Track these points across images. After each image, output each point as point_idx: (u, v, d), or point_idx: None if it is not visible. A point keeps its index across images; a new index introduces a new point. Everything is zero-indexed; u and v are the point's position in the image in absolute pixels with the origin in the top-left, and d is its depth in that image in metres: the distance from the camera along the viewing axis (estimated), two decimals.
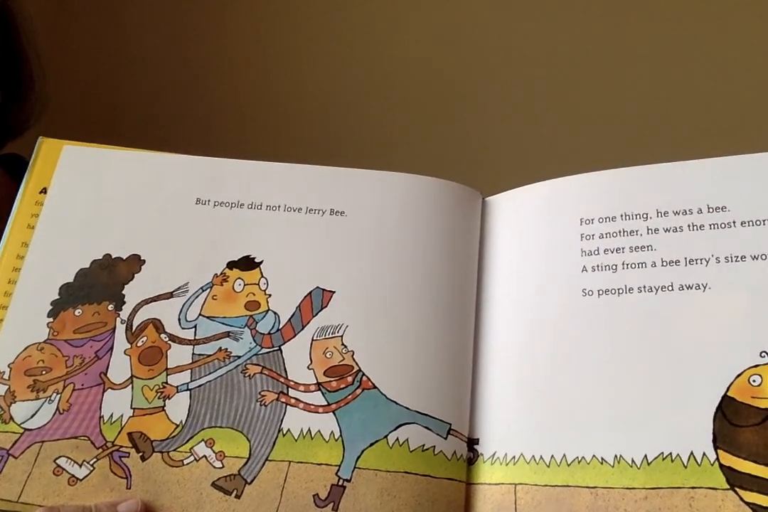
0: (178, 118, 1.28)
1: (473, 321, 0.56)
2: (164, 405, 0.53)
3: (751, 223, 0.51)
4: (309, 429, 0.52)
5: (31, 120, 0.76)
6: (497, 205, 0.59)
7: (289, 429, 0.52)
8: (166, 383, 0.54)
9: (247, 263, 0.56)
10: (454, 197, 0.59)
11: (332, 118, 1.30)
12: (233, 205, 0.58)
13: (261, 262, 0.56)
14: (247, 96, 1.31)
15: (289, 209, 0.58)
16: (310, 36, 1.31)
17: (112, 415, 0.53)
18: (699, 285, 0.50)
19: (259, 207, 0.58)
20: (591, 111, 1.25)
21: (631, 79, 1.24)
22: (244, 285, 0.56)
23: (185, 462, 0.52)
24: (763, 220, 0.50)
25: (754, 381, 0.47)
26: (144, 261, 0.57)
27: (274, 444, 0.52)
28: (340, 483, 0.51)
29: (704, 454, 0.47)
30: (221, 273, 0.56)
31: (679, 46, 1.22)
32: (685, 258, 0.51)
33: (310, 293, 0.55)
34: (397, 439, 0.52)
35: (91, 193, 0.59)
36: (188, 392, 0.54)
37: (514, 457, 0.51)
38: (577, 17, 1.25)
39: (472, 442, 0.53)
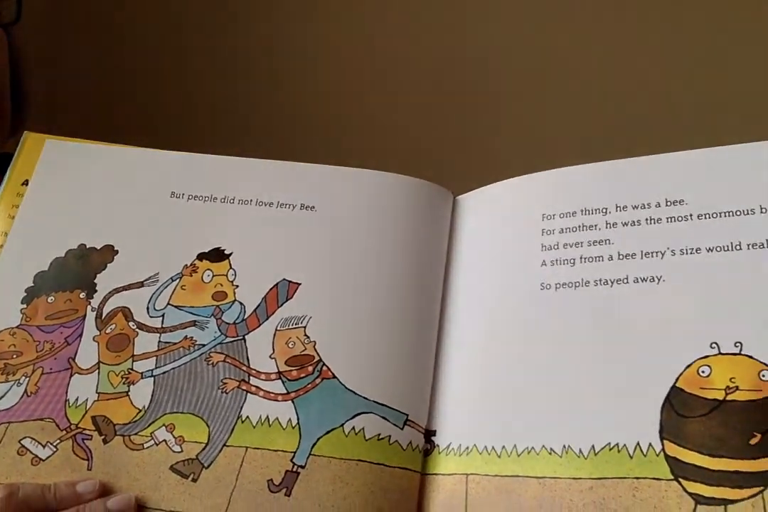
0: (174, 117, 1.30)
1: (438, 316, 0.57)
2: (128, 390, 0.54)
3: (707, 215, 0.51)
4: (267, 417, 0.53)
5: (25, 121, 0.79)
6: (467, 203, 0.60)
7: (248, 416, 0.53)
8: (132, 369, 0.55)
9: (217, 255, 0.58)
10: (424, 195, 0.59)
11: (309, 115, 1.30)
12: (207, 198, 0.60)
13: (230, 254, 0.58)
14: (227, 89, 1.31)
15: (260, 203, 0.59)
16: (282, 39, 1.31)
17: (77, 399, 0.54)
18: (653, 278, 0.50)
19: (232, 201, 0.59)
20: (565, 108, 1.25)
21: (600, 81, 1.24)
22: (213, 276, 0.57)
23: (146, 445, 0.53)
24: (719, 212, 0.51)
25: (703, 371, 0.47)
26: (117, 251, 0.58)
27: (232, 430, 0.53)
28: (294, 470, 0.51)
29: (650, 445, 0.46)
30: (191, 264, 0.57)
31: (652, 47, 1.22)
32: (641, 252, 0.51)
33: (276, 285, 0.56)
34: (353, 428, 0.52)
35: (70, 184, 0.61)
36: (152, 378, 0.55)
37: (467, 448, 0.51)
38: (553, 20, 1.25)
39: (429, 433, 0.53)
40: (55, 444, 0.53)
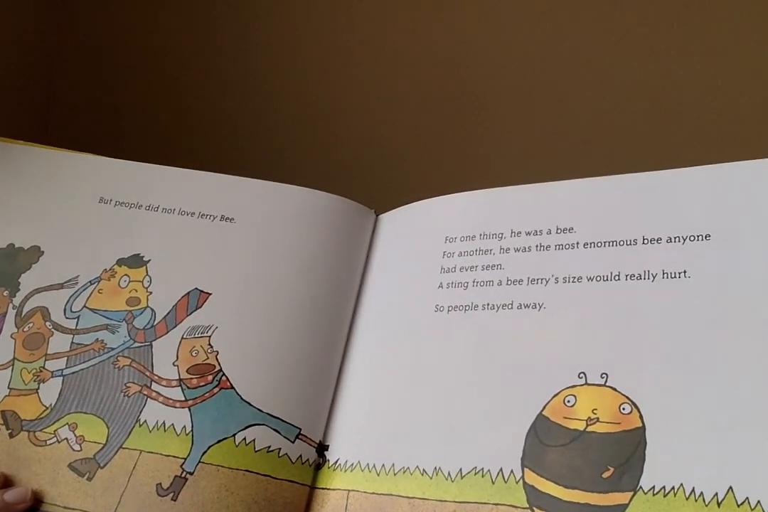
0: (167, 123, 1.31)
1: (346, 332, 0.58)
2: (38, 387, 0.56)
3: (592, 244, 0.51)
4: (164, 422, 0.54)
5: None
6: (387, 222, 0.60)
7: (145, 420, 0.54)
8: (44, 367, 0.57)
9: (135, 261, 0.59)
10: (343, 212, 0.60)
11: (250, 130, 1.29)
12: (132, 205, 0.61)
13: (148, 261, 0.59)
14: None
15: (183, 213, 0.61)
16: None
17: None
18: (535, 305, 0.50)
19: (156, 209, 0.61)
20: (501, 127, 1.23)
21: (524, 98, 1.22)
22: (130, 281, 0.59)
23: (48, 442, 0.55)
24: (603, 242, 0.51)
25: (568, 401, 0.47)
26: (43, 252, 0.60)
27: (130, 433, 0.54)
28: (183, 475, 0.52)
29: (512, 471, 0.47)
30: (110, 269, 0.59)
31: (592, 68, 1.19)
32: (528, 278, 0.51)
33: (188, 293, 0.58)
34: (245, 439, 0.53)
35: (4, 185, 0.63)
36: (62, 378, 0.57)
37: (352, 464, 0.52)
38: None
39: (323, 448, 0.54)
40: None
